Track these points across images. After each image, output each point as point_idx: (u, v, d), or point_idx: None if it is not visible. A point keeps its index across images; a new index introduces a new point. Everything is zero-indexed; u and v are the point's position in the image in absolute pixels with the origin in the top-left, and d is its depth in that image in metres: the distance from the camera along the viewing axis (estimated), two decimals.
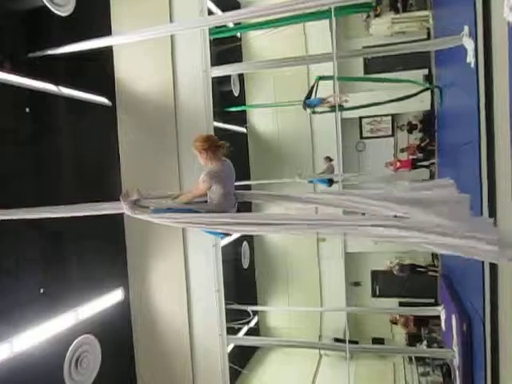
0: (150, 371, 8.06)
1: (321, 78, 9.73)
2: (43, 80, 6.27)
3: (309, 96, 10.01)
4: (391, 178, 11.27)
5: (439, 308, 8.78)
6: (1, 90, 5.57)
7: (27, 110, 5.96)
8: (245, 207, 4.08)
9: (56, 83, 6.52)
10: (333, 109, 9.51)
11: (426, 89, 10.59)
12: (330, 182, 10.18)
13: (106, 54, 7.41)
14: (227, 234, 4.07)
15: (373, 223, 2.90)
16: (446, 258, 10.19)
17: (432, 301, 11.70)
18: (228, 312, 8.36)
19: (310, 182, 10.78)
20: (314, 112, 10.37)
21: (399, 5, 11.92)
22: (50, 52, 6.04)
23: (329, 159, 10.60)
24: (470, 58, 5.70)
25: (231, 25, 10.28)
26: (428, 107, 11.87)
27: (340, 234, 3.28)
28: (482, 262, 5.30)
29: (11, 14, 5.85)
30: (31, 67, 6.02)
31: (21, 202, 5.57)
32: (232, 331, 10.01)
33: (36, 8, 6.08)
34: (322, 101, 10.08)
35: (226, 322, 8.03)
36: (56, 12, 6.26)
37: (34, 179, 6.08)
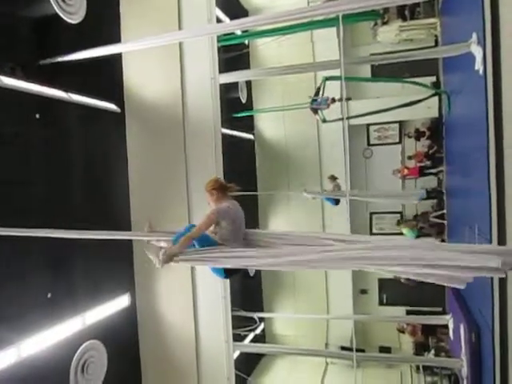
0: (155, 377, 8.05)
1: (327, 78, 9.80)
2: (53, 87, 6.35)
3: (316, 95, 10.09)
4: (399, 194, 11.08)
5: (447, 317, 8.70)
6: (12, 96, 5.64)
7: (37, 116, 6.03)
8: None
9: (66, 90, 6.60)
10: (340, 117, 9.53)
11: (434, 94, 10.57)
12: (337, 201, 10.06)
13: (116, 61, 7.49)
14: (229, 275, 3.99)
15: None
16: None
17: (440, 309, 11.59)
18: (234, 319, 8.34)
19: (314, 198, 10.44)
20: (324, 121, 10.42)
21: (407, 12, 11.94)
22: (60, 59, 6.11)
23: (333, 178, 10.43)
24: (479, 65, 5.68)
25: (239, 32, 10.35)
26: (436, 114, 11.83)
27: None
28: None
29: (23, 22, 5.93)
30: (42, 74, 6.09)
31: (29, 210, 5.66)
32: (238, 338, 9.97)
33: (47, 16, 6.16)
34: (327, 100, 10.13)
35: (232, 328, 8.00)
36: (67, 20, 6.33)
37: (42, 185, 6.12)
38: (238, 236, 3.69)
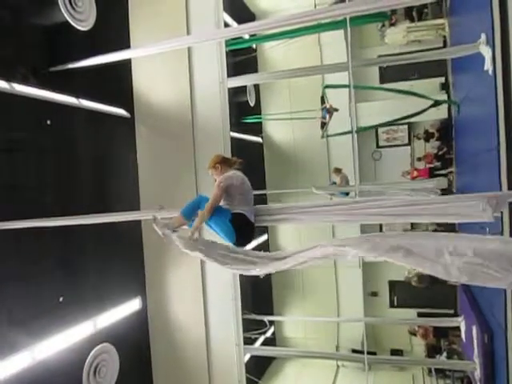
0: (167, 380, 8.08)
1: (326, 86, 9.87)
2: (64, 93, 6.43)
3: (322, 103, 10.20)
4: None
5: (459, 319, 8.62)
6: (23, 102, 5.74)
7: (48, 122, 6.11)
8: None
9: (76, 96, 6.68)
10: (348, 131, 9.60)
11: (443, 102, 10.54)
12: (347, 193, 10.11)
13: (125, 66, 7.58)
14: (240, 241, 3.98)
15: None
16: None
17: (452, 311, 11.50)
18: (244, 322, 8.35)
19: (332, 194, 10.46)
20: (322, 137, 10.57)
21: (414, 13, 11.91)
22: (70, 66, 6.19)
23: (338, 171, 10.49)
24: (488, 66, 5.65)
25: (247, 36, 10.40)
26: (445, 115, 11.77)
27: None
28: None
29: (34, 30, 6.03)
30: (53, 81, 6.17)
31: (41, 212, 5.72)
32: (249, 341, 9.98)
33: (58, 23, 6.26)
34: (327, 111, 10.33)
35: (243, 331, 8.01)
36: (77, 27, 6.42)
37: (55, 189, 6.20)
38: (248, 201, 3.79)
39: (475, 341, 6.98)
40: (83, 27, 6.55)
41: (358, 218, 3.34)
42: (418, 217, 3.10)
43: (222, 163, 4.02)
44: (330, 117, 10.38)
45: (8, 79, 5.54)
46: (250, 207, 3.79)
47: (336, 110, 10.54)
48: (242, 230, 3.70)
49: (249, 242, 3.91)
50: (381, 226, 13.20)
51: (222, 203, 3.78)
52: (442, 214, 2.96)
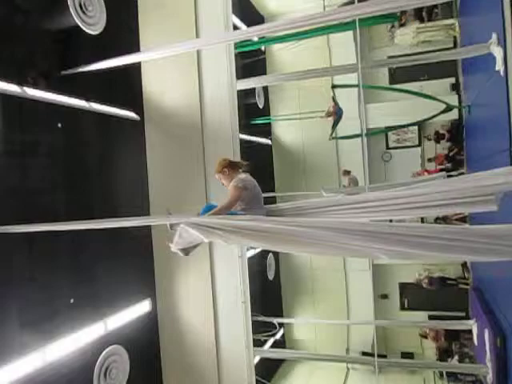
0: (177, 382, 8.09)
1: (334, 86, 9.89)
2: (75, 96, 6.49)
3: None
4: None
5: (471, 322, 8.53)
6: (35, 106, 5.79)
7: (59, 125, 6.17)
8: None
9: (87, 99, 6.74)
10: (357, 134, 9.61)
11: (454, 107, 10.47)
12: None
13: (135, 69, 7.63)
14: None
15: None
16: (477, 270, 9.92)
17: (463, 314, 11.39)
18: (254, 324, 8.34)
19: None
20: (330, 138, 10.61)
21: (424, 14, 11.83)
22: (81, 69, 6.25)
23: (347, 173, 10.48)
24: (499, 66, 5.60)
25: (255, 38, 10.41)
26: (455, 116, 11.68)
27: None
28: None
29: (46, 34, 6.09)
30: (64, 84, 6.24)
31: (52, 215, 5.79)
32: (258, 343, 9.96)
33: (69, 27, 6.31)
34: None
35: (252, 334, 8.00)
36: (87, 31, 6.48)
37: (66, 192, 6.25)
38: (261, 202, 3.80)
39: (487, 344, 6.91)
40: (93, 31, 6.60)
41: (371, 214, 3.25)
42: (426, 209, 3.05)
43: (230, 167, 3.98)
44: (335, 117, 10.36)
45: (20, 83, 5.61)
46: (262, 209, 3.79)
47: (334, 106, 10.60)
48: None
49: None
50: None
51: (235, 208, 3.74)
52: (447, 205, 2.92)
